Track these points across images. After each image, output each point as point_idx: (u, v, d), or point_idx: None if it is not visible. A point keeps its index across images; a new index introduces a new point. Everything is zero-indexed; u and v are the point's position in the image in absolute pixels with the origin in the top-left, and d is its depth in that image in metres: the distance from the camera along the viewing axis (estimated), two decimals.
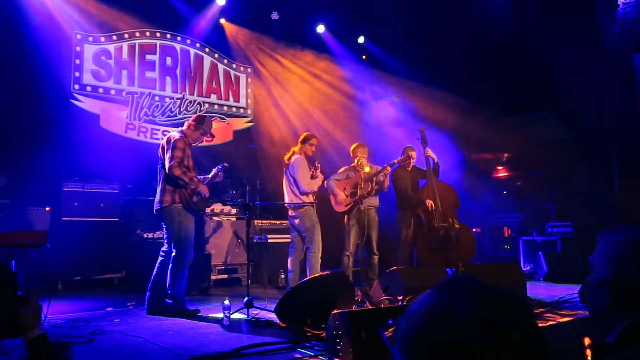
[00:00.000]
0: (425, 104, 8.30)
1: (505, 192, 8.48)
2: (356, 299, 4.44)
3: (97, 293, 5.83)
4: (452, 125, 8.03)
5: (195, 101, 8.04)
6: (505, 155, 8.71)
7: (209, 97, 8.27)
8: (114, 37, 7.44)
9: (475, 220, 7.93)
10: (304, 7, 8.08)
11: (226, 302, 4.13)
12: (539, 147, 7.67)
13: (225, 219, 6.82)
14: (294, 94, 8.79)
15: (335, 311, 3.06)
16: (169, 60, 7.90)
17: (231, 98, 8.53)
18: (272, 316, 4.13)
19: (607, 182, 6.89)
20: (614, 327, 0.92)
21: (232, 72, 8.58)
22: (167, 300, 4.46)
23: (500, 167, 8.72)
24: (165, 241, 4.67)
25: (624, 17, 6.32)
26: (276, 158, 6.47)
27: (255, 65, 8.73)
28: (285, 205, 5.59)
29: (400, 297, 3.95)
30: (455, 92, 8.12)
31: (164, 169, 4.51)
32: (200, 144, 5.02)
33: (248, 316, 4.19)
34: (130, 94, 7.44)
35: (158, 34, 7.84)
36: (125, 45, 7.52)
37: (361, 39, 9.14)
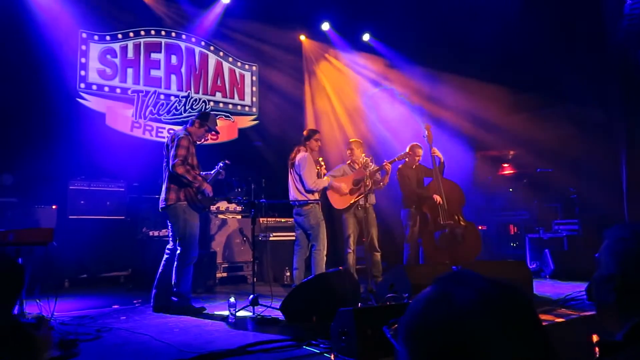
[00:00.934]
0: (432, 101, 8.28)
1: (511, 190, 8.44)
2: (361, 296, 4.43)
3: (104, 291, 5.86)
4: (458, 122, 7.99)
5: (200, 99, 8.05)
6: (512, 152, 8.66)
7: (214, 95, 8.28)
8: (120, 36, 7.46)
9: (481, 217, 7.90)
10: (308, 4, 8.05)
11: (232, 299, 4.14)
12: (545, 145, 7.62)
13: (230, 216, 6.84)
14: (299, 92, 8.78)
15: (341, 309, 3.06)
16: (174, 58, 7.92)
17: (236, 96, 8.53)
18: (278, 314, 4.14)
19: (614, 179, 6.84)
20: (622, 324, 0.91)
21: (237, 70, 8.58)
22: (172, 297, 4.47)
23: (506, 165, 8.68)
24: (171, 239, 4.68)
25: (631, 13, 6.26)
26: (281, 156, 6.47)
27: (261, 63, 8.72)
28: (291, 203, 5.58)
29: (406, 295, 3.94)
30: (462, 90, 8.08)
31: (169, 167, 4.52)
32: (205, 142, 5.03)
33: (254, 314, 4.19)
34: (135, 93, 7.46)
35: (163, 33, 7.86)
36: (130, 44, 7.54)
37: (366, 37, 9.11)
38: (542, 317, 3.88)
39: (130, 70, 7.50)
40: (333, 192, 5.75)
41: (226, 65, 8.46)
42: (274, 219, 7.07)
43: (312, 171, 5.41)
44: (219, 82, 8.36)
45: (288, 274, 6.35)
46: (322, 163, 5.55)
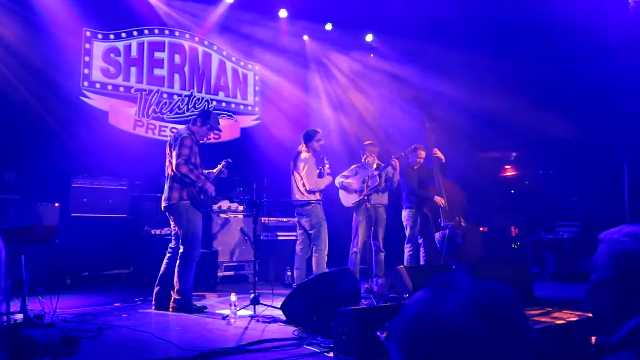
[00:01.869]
0: (434, 101, 8.28)
1: (512, 191, 8.43)
2: (362, 296, 4.44)
3: (105, 288, 5.88)
4: (460, 123, 7.99)
5: (203, 98, 8.07)
6: (513, 154, 8.65)
7: (217, 94, 8.30)
8: (123, 35, 7.48)
9: (483, 219, 7.89)
10: (311, 4, 8.06)
11: (233, 298, 4.15)
12: (547, 146, 7.62)
13: (232, 216, 6.85)
14: (301, 92, 8.79)
15: (341, 309, 3.07)
16: (177, 57, 7.94)
17: (239, 95, 8.55)
18: (279, 313, 4.15)
19: (616, 181, 6.84)
20: (618, 327, 0.92)
21: (240, 70, 8.60)
22: (174, 296, 4.49)
23: (508, 166, 8.67)
24: (173, 237, 4.70)
25: None
26: (284, 155, 6.48)
27: (263, 62, 8.74)
28: (293, 202, 5.60)
29: (406, 295, 3.95)
30: (463, 90, 8.07)
31: (172, 166, 4.54)
32: (207, 141, 5.04)
33: (254, 313, 4.21)
34: (138, 91, 7.48)
35: (167, 32, 7.88)
36: (134, 43, 7.56)
37: (369, 37, 9.11)
38: (542, 319, 3.89)
39: (133, 69, 7.52)
40: (342, 191, 5.83)
41: (229, 65, 8.48)
42: (275, 219, 7.09)
43: (313, 172, 5.43)
44: (221, 81, 8.38)
45: (289, 273, 6.36)
46: (326, 162, 5.57)
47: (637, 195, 6.56)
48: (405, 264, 5.86)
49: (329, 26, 8.79)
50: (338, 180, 5.84)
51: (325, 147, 5.83)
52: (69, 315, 4.14)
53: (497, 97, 7.78)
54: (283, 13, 8.38)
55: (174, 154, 4.52)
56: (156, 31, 7.78)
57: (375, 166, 5.67)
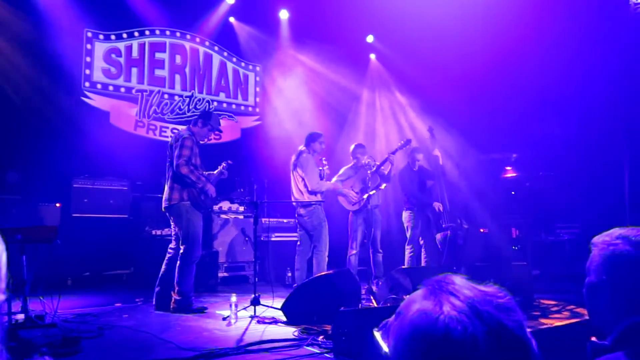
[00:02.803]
0: (434, 103, 8.28)
1: (513, 193, 8.43)
2: (362, 297, 4.45)
3: (106, 289, 5.89)
4: (461, 125, 7.99)
5: (204, 99, 8.08)
6: (514, 155, 8.65)
7: (218, 95, 8.31)
8: (124, 35, 7.50)
9: (483, 220, 7.89)
10: (312, 5, 8.07)
11: (233, 299, 4.16)
12: (548, 148, 7.62)
13: (233, 216, 6.86)
14: (302, 92, 8.80)
15: (341, 309, 3.08)
16: (178, 58, 7.95)
17: (240, 96, 8.56)
18: (279, 314, 4.16)
19: (617, 182, 6.84)
20: (611, 329, 0.93)
21: (241, 71, 8.61)
22: (175, 296, 4.49)
23: (508, 168, 8.67)
24: (173, 238, 4.71)
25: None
26: (284, 156, 6.49)
27: (264, 63, 8.75)
28: (293, 203, 5.61)
29: (406, 297, 3.95)
30: (463, 91, 8.08)
31: (172, 167, 4.55)
32: (208, 142, 5.05)
33: (255, 313, 4.21)
34: (140, 92, 7.50)
35: (168, 32, 7.89)
36: (135, 44, 7.58)
37: (370, 38, 9.12)
38: (543, 320, 3.90)
39: (134, 70, 7.54)
40: (342, 197, 5.81)
41: (230, 66, 8.49)
42: (276, 220, 7.09)
43: (314, 172, 5.44)
44: (222, 82, 8.39)
45: (289, 274, 6.36)
46: (325, 162, 5.58)
47: (638, 196, 6.55)
48: (406, 265, 5.87)
49: (329, 27, 8.79)
50: (337, 185, 5.81)
51: (325, 150, 5.83)
52: (70, 316, 4.15)
53: (497, 97, 7.80)
54: (284, 14, 8.39)
55: (174, 154, 4.53)
56: (157, 32, 7.80)
57: (374, 168, 5.66)
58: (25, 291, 3.52)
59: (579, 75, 6.92)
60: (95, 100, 7.13)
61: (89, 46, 7.17)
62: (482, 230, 7.02)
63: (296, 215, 5.61)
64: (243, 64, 8.62)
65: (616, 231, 1.04)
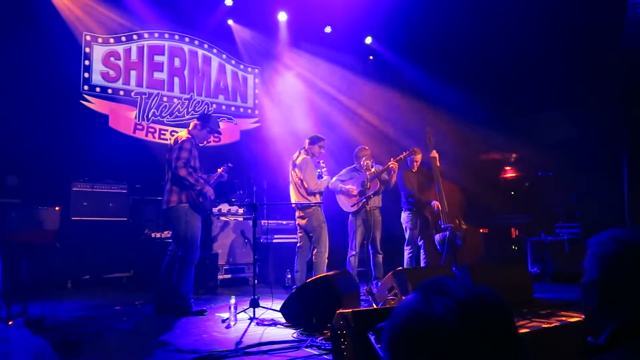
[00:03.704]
0: (432, 103, 8.30)
1: (513, 193, 8.44)
2: (361, 298, 4.45)
3: (106, 292, 5.89)
4: (461, 126, 8.00)
5: (203, 102, 8.09)
6: (514, 155, 8.66)
7: (217, 97, 8.32)
8: (123, 39, 7.51)
9: (483, 220, 7.89)
10: (311, 8, 8.08)
11: (232, 301, 4.16)
12: (547, 148, 7.63)
13: (232, 218, 6.86)
14: (301, 94, 8.81)
15: (340, 311, 3.08)
16: (177, 61, 7.97)
17: (239, 99, 8.57)
18: (278, 315, 4.16)
19: (616, 182, 6.84)
20: (604, 328, 0.94)
21: (240, 73, 8.63)
22: (174, 299, 4.50)
23: (508, 168, 8.68)
24: (173, 240, 4.71)
25: (635, 1, 6.12)
26: (283, 158, 6.50)
27: (263, 65, 8.77)
28: (293, 205, 5.61)
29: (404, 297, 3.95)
30: (463, 92, 8.09)
31: (171, 169, 4.56)
32: (207, 144, 5.06)
33: (254, 315, 4.22)
34: (139, 95, 7.51)
35: (166, 35, 7.91)
36: (134, 47, 7.60)
37: (368, 40, 9.14)
38: (542, 320, 3.90)
39: (133, 73, 7.55)
40: (341, 196, 5.81)
41: (229, 68, 8.51)
42: (275, 221, 7.10)
43: (313, 173, 5.45)
44: (221, 84, 8.40)
45: (289, 276, 6.37)
46: (323, 165, 5.59)
47: (637, 196, 6.55)
48: (405, 266, 5.87)
49: (328, 29, 8.82)
50: (335, 183, 5.84)
51: (325, 148, 5.83)
52: (70, 319, 4.15)
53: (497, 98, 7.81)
54: (282, 16, 8.41)
55: (173, 157, 4.54)
56: (156, 35, 7.81)
57: (373, 170, 5.66)
58: (25, 294, 3.53)
59: (578, 75, 6.93)
60: (95, 104, 7.14)
61: (87, 49, 7.19)
62: (481, 230, 7.02)
63: (295, 217, 5.61)
64: (242, 66, 8.64)
65: (610, 231, 1.05)
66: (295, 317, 3.99)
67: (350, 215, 5.82)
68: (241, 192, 7.16)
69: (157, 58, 7.78)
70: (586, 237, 6.88)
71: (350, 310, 3.09)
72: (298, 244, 5.61)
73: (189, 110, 7.91)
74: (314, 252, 5.40)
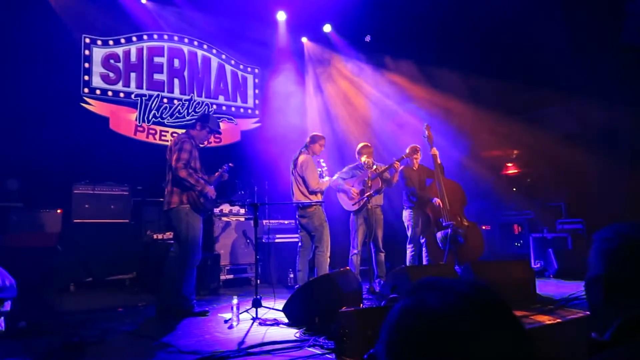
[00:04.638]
0: (434, 100, 8.27)
1: (515, 189, 8.42)
2: (364, 297, 4.44)
3: (109, 294, 5.89)
4: (462, 122, 7.98)
5: (203, 102, 8.09)
6: (515, 152, 8.65)
7: (217, 98, 8.32)
8: (123, 40, 7.51)
9: (485, 217, 7.88)
10: (309, 6, 8.07)
11: (235, 301, 4.16)
12: (549, 144, 7.61)
13: (234, 219, 6.86)
14: (301, 94, 8.81)
15: (343, 310, 3.07)
16: (176, 62, 7.97)
17: (239, 99, 8.57)
18: (281, 315, 4.15)
19: (619, 177, 6.81)
20: (610, 323, 0.93)
21: (240, 73, 8.62)
22: (176, 300, 4.49)
23: (510, 164, 8.66)
24: (174, 242, 4.71)
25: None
26: (284, 158, 6.49)
27: (263, 65, 8.76)
28: (294, 204, 5.61)
29: None
30: (465, 88, 8.06)
31: (171, 170, 4.55)
32: (208, 145, 5.05)
33: (256, 315, 4.21)
34: (139, 97, 7.51)
35: (166, 37, 7.91)
36: (133, 48, 7.60)
37: (368, 38, 9.11)
38: (545, 317, 3.89)
39: (133, 75, 7.55)
40: (343, 195, 5.81)
41: (228, 69, 8.51)
42: (277, 221, 7.10)
43: (314, 172, 5.45)
44: (221, 85, 8.40)
45: (291, 275, 6.37)
46: (324, 164, 5.58)
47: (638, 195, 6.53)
48: (407, 264, 5.86)
49: (327, 28, 8.81)
50: (337, 181, 5.83)
51: (324, 151, 5.83)
52: (72, 321, 4.15)
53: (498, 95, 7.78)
54: (281, 15, 8.40)
55: (173, 158, 4.53)
56: (155, 36, 7.81)
57: (374, 168, 5.66)
58: (27, 297, 3.53)
59: (578, 74, 6.90)
60: (95, 106, 7.15)
61: (87, 52, 7.19)
62: (483, 227, 7.01)
63: (297, 216, 5.61)
64: (241, 67, 8.63)
65: (614, 226, 1.04)
66: (298, 316, 3.98)
67: (351, 213, 5.82)
68: (242, 192, 7.16)
69: (156, 59, 7.78)
70: (589, 233, 6.89)
71: (353, 309, 3.08)
72: (300, 244, 5.60)
73: (190, 111, 7.92)
74: (316, 251, 5.40)
